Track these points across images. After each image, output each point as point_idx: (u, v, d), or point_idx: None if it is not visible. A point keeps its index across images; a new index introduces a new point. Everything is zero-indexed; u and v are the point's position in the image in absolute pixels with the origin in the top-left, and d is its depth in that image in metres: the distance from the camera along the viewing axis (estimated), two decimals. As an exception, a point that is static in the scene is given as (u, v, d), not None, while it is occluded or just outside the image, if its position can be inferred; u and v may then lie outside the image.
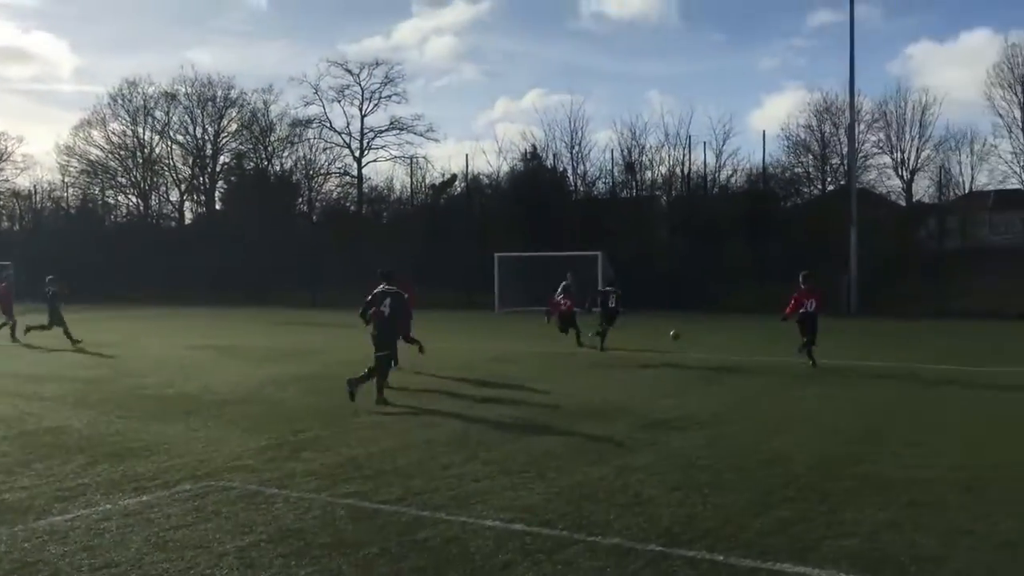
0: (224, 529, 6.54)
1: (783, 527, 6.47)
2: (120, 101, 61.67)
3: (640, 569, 5.62)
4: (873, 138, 44.93)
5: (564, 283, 23.11)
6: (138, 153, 62.12)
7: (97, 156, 62.76)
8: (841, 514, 6.77)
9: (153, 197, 63.45)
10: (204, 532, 6.47)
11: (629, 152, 47.09)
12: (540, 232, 43.06)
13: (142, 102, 61.62)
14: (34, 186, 65.67)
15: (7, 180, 68.23)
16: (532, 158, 51.21)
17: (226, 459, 8.96)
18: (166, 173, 63.03)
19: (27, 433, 10.46)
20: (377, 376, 12.69)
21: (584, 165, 48.95)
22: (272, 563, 5.78)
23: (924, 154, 44.58)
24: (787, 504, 7.10)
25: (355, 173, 59.93)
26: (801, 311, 16.74)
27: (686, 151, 45.60)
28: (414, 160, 55.16)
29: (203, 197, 63.38)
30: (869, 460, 8.65)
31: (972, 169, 44.15)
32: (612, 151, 47.80)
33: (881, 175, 45.71)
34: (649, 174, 47.57)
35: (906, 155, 44.72)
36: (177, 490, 7.73)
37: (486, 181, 52.26)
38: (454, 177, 53.75)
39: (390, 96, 60.39)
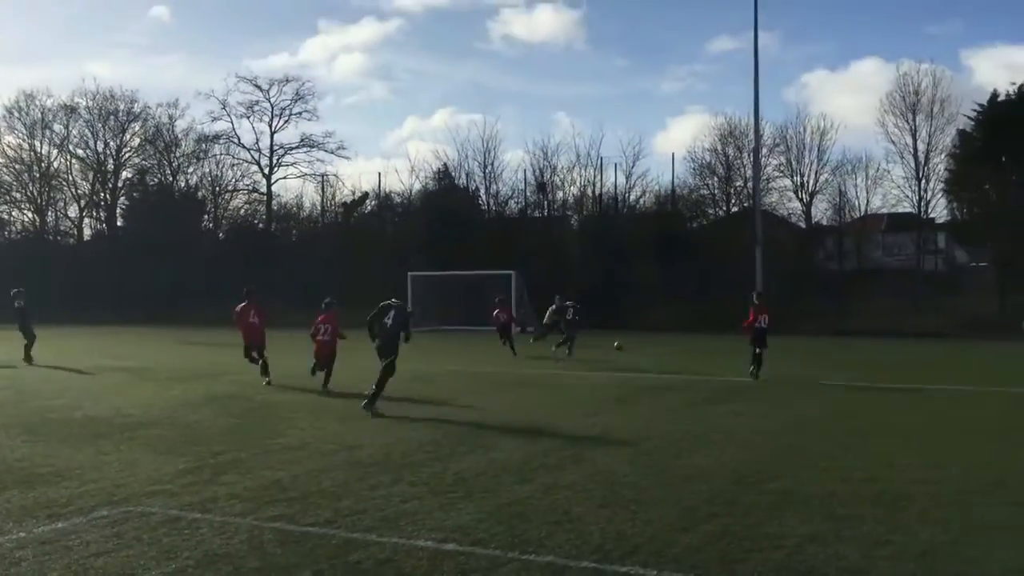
0: (148, 555, 6.35)
1: (710, 541, 6.62)
2: (16, 113, 59.21)
3: (576, 586, 5.68)
4: (775, 161, 46.43)
5: (498, 297, 25.28)
6: (35, 167, 59.69)
7: (-10, 169, 60.11)
8: (765, 528, 6.97)
9: (50, 213, 61.08)
10: (127, 559, 6.26)
11: (541, 172, 47.63)
12: (453, 251, 43.10)
13: (40, 115, 59.31)
14: (-80, 199, 62.52)
15: None
16: (444, 177, 51.27)
17: (143, 483, 8.69)
18: (65, 188, 60.75)
19: (-74, 459, 9.95)
20: (378, 384, 13.54)
21: (496, 184, 49.30)
22: (203, 589, 5.64)
23: (822, 178, 46.22)
24: (712, 519, 7.27)
25: (264, 190, 58.85)
26: (756, 326, 18.32)
27: (597, 172, 46.39)
28: (325, 178, 54.60)
29: (104, 213, 61.32)
30: (787, 475, 8.93)
31: (867, 192, 45.96)
32: (524, 171, 48.31)
33: (782, 197, 47.21)
34: (560, 194, 48.20)
35: (805, 178, 46.28)
36: (94, 516, 7.45)
37: (398, 199, 52.10)
38: (365, 195, 53.43)
39: (300, 113, 59.53)
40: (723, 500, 7.89)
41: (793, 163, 46.33)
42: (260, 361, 18.11)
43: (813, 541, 6.60)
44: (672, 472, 9.11)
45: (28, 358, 22.58)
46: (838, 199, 45.40)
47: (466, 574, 5.93)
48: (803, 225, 47.29)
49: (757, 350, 18.16)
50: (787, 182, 46.69)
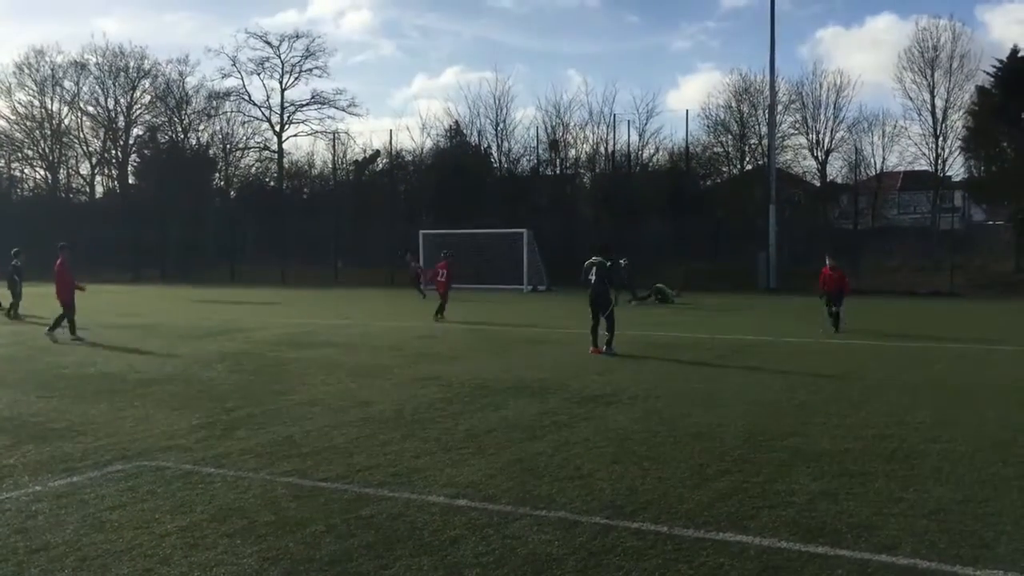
0: (163, 509, 6.40)
1: (722, 498, 6.63)
2: (26, 70, 59.21)
3: (587, 541, 5.70)
4: (790, 119, 46.01)
5: (409, 252, 29.89)
6: (46, 124, 59.77)
7: (2, 127, 60.21)
8: (776, 485, 6.98)
9: (62, 170, 61.20)
10: (142, 512, 6.32)
11: (553, 130, 47.29)
12: (464, 209, 43.01)
13: (50, 71, 59.30)
14: (-68, 157, 62.69)
15: (-97, 151, 64.90)
16: (455, 134, 51.00)
17: (157, 439, 8.76)
18: (76, 146, 60.88)
19: (-58, 414, 10.05)
20: (609, 329, 15.45)
21: (508, 142, 49.02)
22: (217, 542, 5.68)
23: (838, 135, 45.82)
24: (723, 476, 7.27)
25: (275, 148, 58.80)
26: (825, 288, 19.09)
27: (610, 130, 46.02)
28: (336, 135, 54.37)
29: (115, 171, 61.40)
30: (798, 433, 8.91)
31: (883, 150, 45.53)
32: (536, 128, 47.99)
33: (797, 155, 46.90)
34: (573, 152, 47.90)
35: (821, 136, 45.89)
36: (109, 471, 7.52)
37: (409, 157, 51.90)
38: (377, 153, 53.26)
39: (311, 69, 59.40)
40: (734, 457, 7.89)
41: (808, 120, 45.97)
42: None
43: (824, 498, 6.60)
44: (683, 429, 9.11)
45: (14, 315, 22.75)
46: (854, 157, 45.05)
47: (478, 529, 5.96)
48: (818, 183, 46.95)
49: (833, 308, 18.93)
50: (802, 139, 46.38)
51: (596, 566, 5.27)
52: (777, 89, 40.99)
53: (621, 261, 25.32)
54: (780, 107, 43.40)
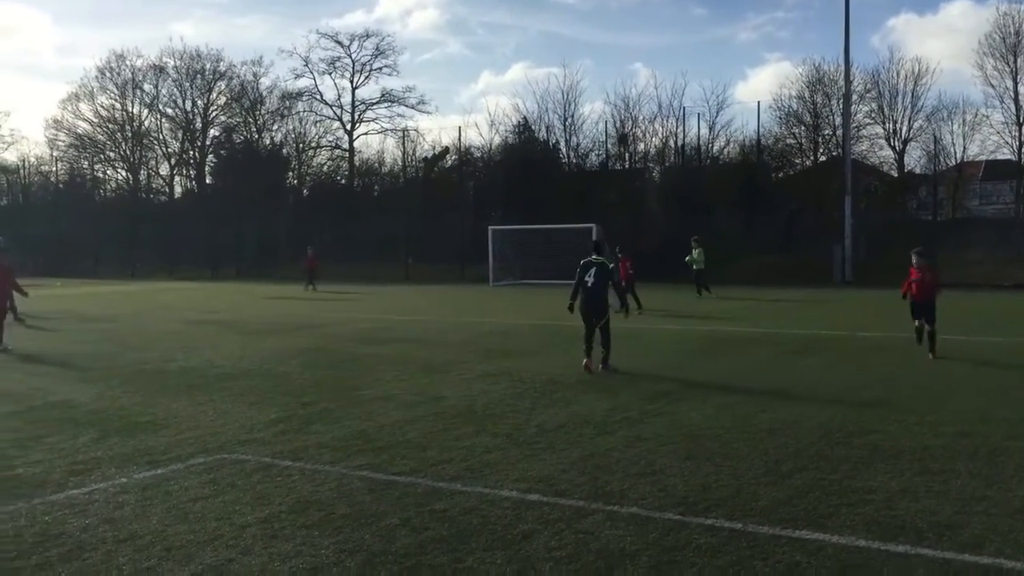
0: (243, 501, 6.58)
1: (798, 495, 6.54)
2: (108, 74, 61.16)
3: (660, 537, 5.68)
4: (865, 108, 44.92)
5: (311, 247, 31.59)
6: (127, 127, 61.63)
7: (85, 130, 62.34)
8: (854, 482, 6.85)
9: (142, 171, 63.04)
10: (223, 504, 6.50)
11: (622, 124, 46.98)
12: (533, 205, 43.03)
13: (130, 75, 61.13)
14: (22, 160, 65.16)
15: (-6, 154, 67.62)
16: (524, 130, 51.01)
17: (236, 432, 8.99)
18: (155, 147, 62.65)
19: (35, 408, 10.46)
20: (604, 344, 13.05)
21: (577, 137, 48.85)
22: (295, 534, 5.81)
23: (916, 124, 44.58)
24: (799, 473, 7.17)
25: (346, 146, 59.63)
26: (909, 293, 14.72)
27: (679, 123, 45.56)
28: (405, 133, 54.87)
29: (193, 171, 63.01)
30: (876, 430, 8.73)
31: (964, 139, 44.16)
32: (605, 123, 47.72)
33: (873, 146, 45.74)
34: (642, 146, 47.51)
35: (898, 125, 44.70)
36: (191, 463, 7.75)
37: (478, 154, 52.09)
38: (446, 150, 53.55)
39: (381, 68, 60.13)
40: (810, 454, 7.77)
41: (885, 110, 44.81)
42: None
43: (904, 496, 6.46)
44: (757, 426, 8.99)
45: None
46: (933, 146, 43.74)
47: (550, 523, 5.98)
48: (895, 174, 45.78)
49: (915, 322, 14.59)
50: (878, 129, 45.24)
51: (669, 562, 5.25)
52: (852, 78, 40.07)
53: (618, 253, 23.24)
54: (855, 96, 42.41)
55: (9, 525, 6.06)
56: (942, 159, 44.10)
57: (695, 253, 28.19)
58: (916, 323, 14.55)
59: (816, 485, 6.79)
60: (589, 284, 12.89)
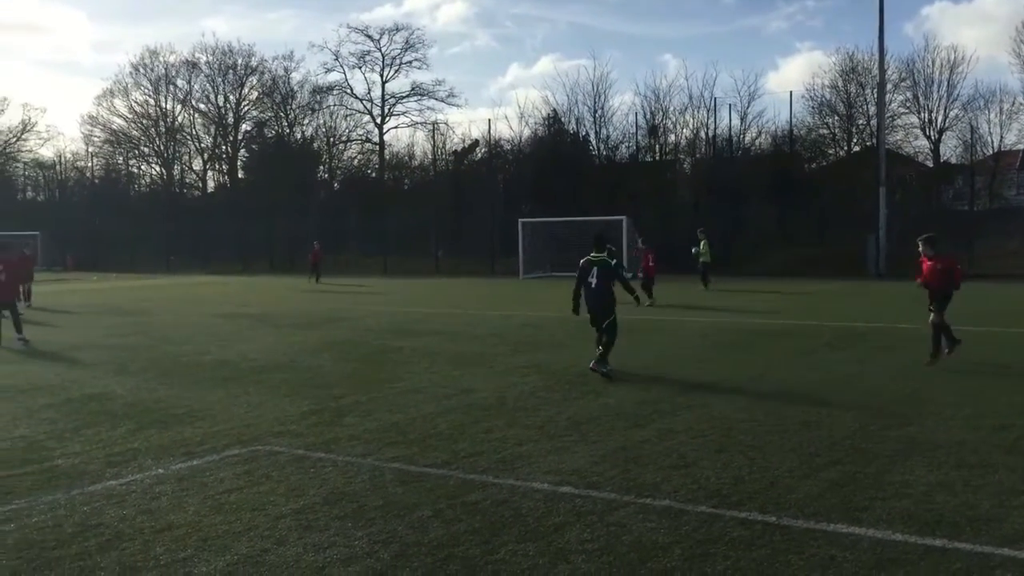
0: (277, 492, 6.64)
1: (832, 488, 6.48)
2: (142, 70, 61.87)
3: (693, 530, 5.65)
4: (900, 97, 44.35)
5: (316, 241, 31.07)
6: (160, 122, 62.32)
7: (120, 125, 63.13)
8: (890, 476, 6.78)
9: (176, 166, 63.71)
10: (258, 495, 6.56)
11: (652, 115, 46.74)
12: (563, 197, 42.95)
13: (163, 71, 61.78)
14: (58, 156, 66.13)
15: (31, 150, 68.73)
16: (553, 123, 50.91)
17: (270, 424, 9.07)
18: (188, 142, 63.27)
19: (72, 400, 10.62)
20: (605, 344, 11.95)
21: (607, 129, 48.66)
22: (329, 525, 5.86)
23: (952, 113, 43.96)
24: (834, 466, 7.10)
25: (376, 140, 59.85)
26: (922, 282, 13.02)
27: (710, 114, 45.24)
28: (435, 126, 54.96)
29: (225, 166, 63.56)
30: (912, 423, 8.63)
31: (1001, 128, 43.46)
32: (635, 114, 47.52)
33: (908, 135, 45.19)
34: (672, 137, 47.24)
35: (933, 114, 44.10)
36: (226, 455, 7.83)
37: (508, 146, 52.07)
38: (475, 143, 53.60)
39: (411, 61, 60.18)
40: (845, 447, 7.69)
41: (920, 99, 44.26)
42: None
43: (942, 489, 6.38)
44: (790, 418, 8.92)
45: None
46: (969, 135, 43.12)
47: (582, 516, 5.97)
48: (931, 164, 45.17)
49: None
50: (913, 119, 44.70)
51: (703, 555, 5.23)
52: (886, 67, 39.54)
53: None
54: (890, 86, 41.86)
55: (49, 515, 6.16)
56: (978, 148, 43.47)
57: (701, 245, 27.99)
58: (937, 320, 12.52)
59: (851, 478, 6.73)
60: (593, 285, 11.98)
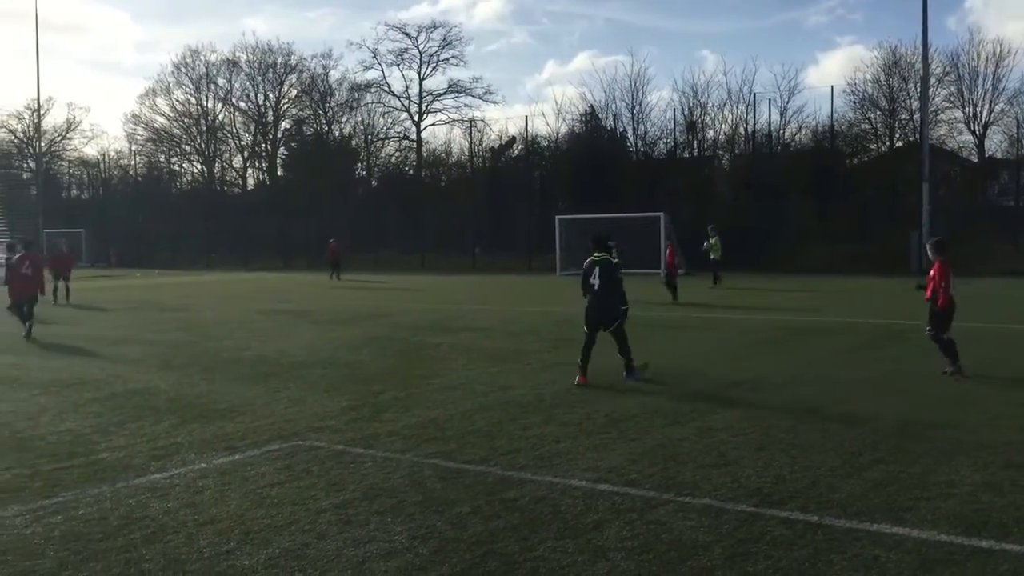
0: (318, 487, 6.69)
1: (876, 488, 6.39)
2: (184, 69, 62.72)
3: (734, 529, 5.61)
4: (944, 92, 43.62)
5: (332, 239, 31.53)
6: (202, 120, 63.13)
7: (162, 124, 64.07)
8: (935, 476, 6.67)
9: (217, 164, 64.47)
10: (299, 490, 6.62)
11: (691, 111, 46.43)
12: (600, 194, 42.82)
13: (204, 70, 62.53)
14: (102, 154, 67.23)
15: (76, 149, 69.98)
16: (591, 119, 50.76)
17: (310, 420, 9.14)
18: (229, 140, 64.01)
19: (117, 394, 10.79)
20: (622, 352, 11.35)
21: (644, 125, 48.41)
22: (369, 520, 5.89)
23: (997, 107, 43.16)
24: (877, 465, 7.00)
25: (414, 137, 60.08)
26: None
27: (750, 109, 44.83)
28: (472, 123, 55.05)
29: (265, 163, 64.20)
30: (956, 423, 8.48)
31: (1049, 123, 42.54)
32: (673, 110, 47.21)
33: (952, 130, 44.46)
34: (711, 133, 46.89)
35: (978, 109, 43.32)
36: (267, 449, 7.91)
37: (545, 143, 52.00)
38: (513, 140, 53.62)
39: (448, 59, 60.37)
40: (888, 447, 7.58)
41: (965, 93, 43.48)
42: (29, 312, 17.18)
43: (988, 489, 6.27)
44: (832, 417, 8.82)
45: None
46: (1015, 130, 42.28)
47: (621, 513, 5.95)
48: (975, 159, 44.39)
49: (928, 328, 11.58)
50: (958, 113, 43.96)
51: (744, 554, 5.18)
52: (930, 61, 38.91)
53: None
54: (933, 80, 41.20)
55: (95, 508, 6.26)
56: (1025, 143, 42.63)
57: (712, 241, 27.75)
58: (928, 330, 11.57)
59: (895, 478, 6.63)
60: (596, 287, 11.40)
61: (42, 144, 68.96)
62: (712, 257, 27.99)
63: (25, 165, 71.70)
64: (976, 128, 43.58)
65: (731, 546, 5.31)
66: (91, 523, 5.95)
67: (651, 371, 11.54)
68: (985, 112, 43.29)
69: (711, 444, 7.82)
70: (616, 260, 11.69)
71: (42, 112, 67.46)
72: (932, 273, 11.48)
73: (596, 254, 11.59)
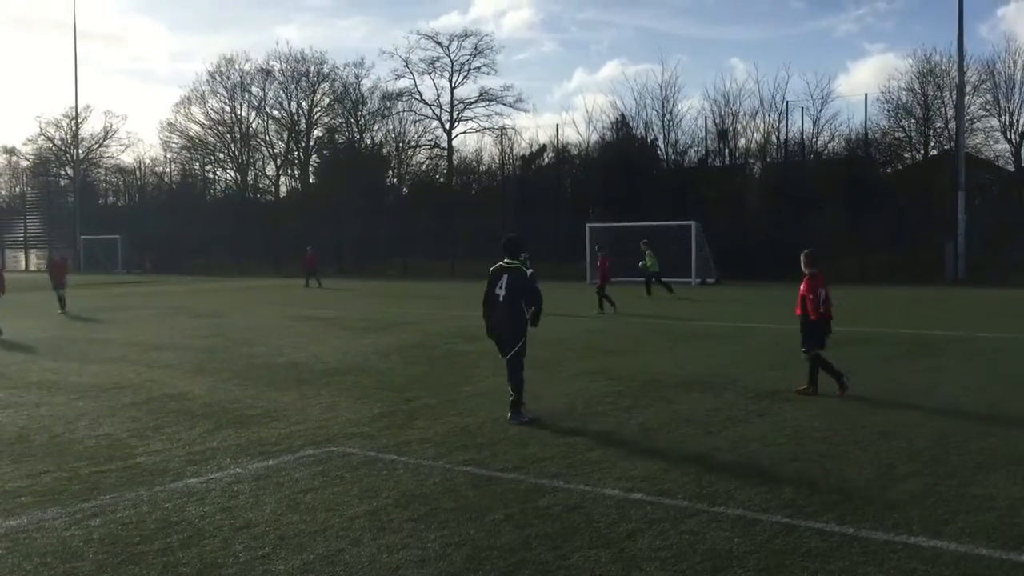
0: (351, 493, 6.73)
1: (913, 500, 6.32)
2: (218, 78, 63.38)
3: (768, 540, 5.57)
4: (979, 100, 43.07)
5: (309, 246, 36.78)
6: (235, 128, 63.73)
7: (197, 132, 64.75)
8: (972, 488, 6.59)
9: (250, 172, 65.06)
10: (333, 495, 6.67)
11: (722, 119, 46.21)
12: (630, 202, 42.71)
13: (239, 78, 63.19)
14: (138, 162, 68.13)
15: (112, 156, 71.01)
16: (621, 127, 50.66)
17: (343, 426, 9.20)
18: (262, 148, 64.55)
19: (153, 399, 10.93)
20: (513, 387, 9.53)
21: (675, 133, 48.23)
22: (402, 527, 5.92)
23: (1035, 116, 42.50)
24: (913, 477, 6.93)
25: (445, 145, 60.28)
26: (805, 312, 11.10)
27: (782, 117, 44.55)
28: (503, 131, 55.13)
29: (297, 171, 64.72)
30: (995, 434, 8.38)
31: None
32: (704, 119, 47.01)
33: (988, 139, 43.86)
34: (742, 142, 46.64)
35: (1015, 117, 42.71)
36: (301, 455, 7.97)
37: (575, 151, 51.98)
38: (543, 148, 53.64)
39: (479, 67, 60.51)
40: (925, 459, 7.50)
41: (1001, 101, 42.88)
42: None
43: (1027, 504, 6.19)
44: (867, 428, 8.73)
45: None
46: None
47: (655, 523, 5.94)
48: (1012, 168, 43.78)
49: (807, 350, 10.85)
50: (994, 122, 43.35)
51: (779, 566, 5.15)
52: (965, 69, 38.46)
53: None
54: (969, 88, 40.69)
55: (132, 511, 6.35)
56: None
57: (647, 260, 28.49)
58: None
59: (932, 491, 6.56)
60: (501, 298, 9.50)
61: (80, 151, 70.12)
62: (651, 270, 28.54)
63: (63, 172, 72.90)
64: (1013, 136, 43.00)
65: (766, 557, 5.28)
66: (129, 526, 6.03)
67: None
68: (1022, 121, 42.71)
69: (744, 454, 7.78)
70: (530, 270, 10.12)
71: (80, 120, 68.72)
72: (802, 288, 10.88)
73: (506, 260, 9.69)
